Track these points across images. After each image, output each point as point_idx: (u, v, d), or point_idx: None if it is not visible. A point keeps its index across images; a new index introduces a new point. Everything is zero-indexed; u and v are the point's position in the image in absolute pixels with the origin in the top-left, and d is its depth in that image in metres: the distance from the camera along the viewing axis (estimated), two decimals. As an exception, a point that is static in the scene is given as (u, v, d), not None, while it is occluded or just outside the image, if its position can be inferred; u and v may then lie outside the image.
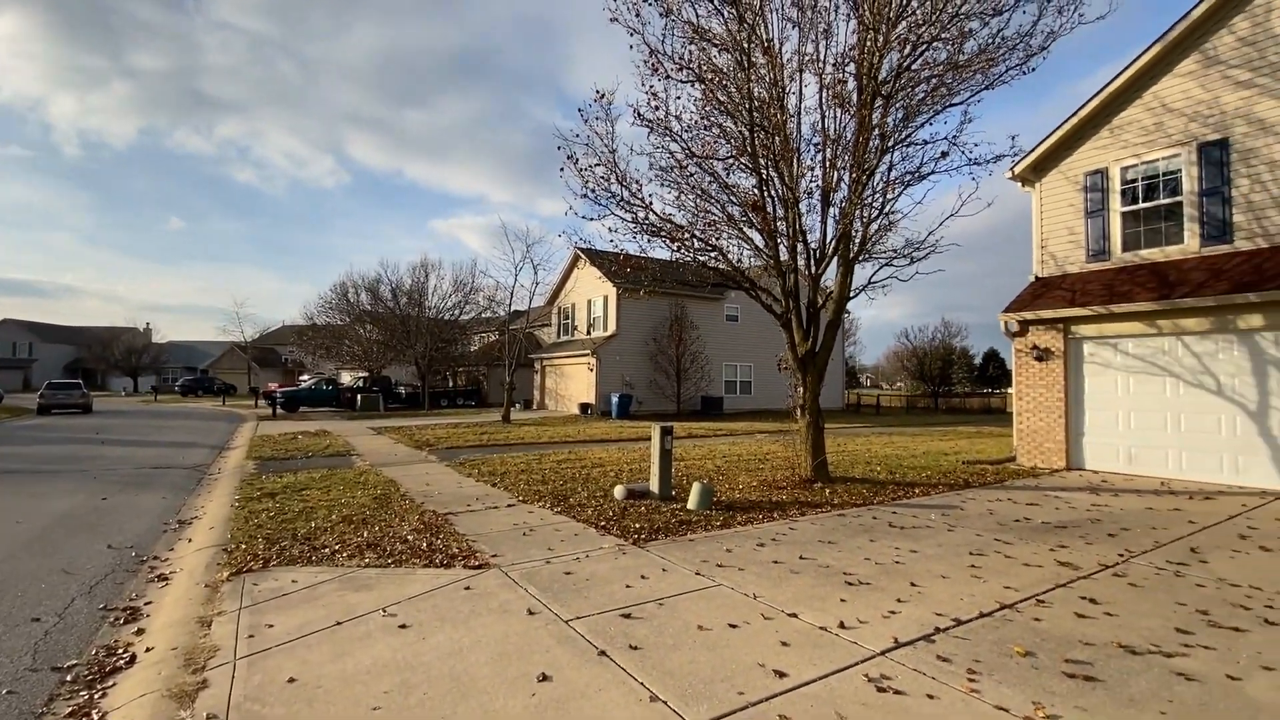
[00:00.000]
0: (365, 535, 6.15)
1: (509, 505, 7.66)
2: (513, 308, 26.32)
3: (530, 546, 5.74)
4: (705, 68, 8.87)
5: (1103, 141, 10.81)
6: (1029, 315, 10.82)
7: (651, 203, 9.20)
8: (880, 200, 9.02)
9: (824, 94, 9.01)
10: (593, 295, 28.03)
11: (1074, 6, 8.00)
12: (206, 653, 3.60)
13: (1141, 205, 10.34)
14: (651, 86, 8.97)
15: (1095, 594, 4.48)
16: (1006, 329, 11.29)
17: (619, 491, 7.89)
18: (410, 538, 6.02)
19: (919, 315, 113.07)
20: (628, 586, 4.61)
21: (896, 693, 3.05)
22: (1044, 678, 3.22)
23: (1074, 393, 10.55)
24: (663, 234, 9.20)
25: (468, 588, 4.62)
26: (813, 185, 9.23)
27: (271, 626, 3.95)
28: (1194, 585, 4.68)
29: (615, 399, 24.11)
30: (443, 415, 26.68)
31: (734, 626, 3.86)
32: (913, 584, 4.69)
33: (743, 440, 16.23)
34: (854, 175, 8.72)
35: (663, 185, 9.88)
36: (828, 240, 9.30)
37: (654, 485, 7.90)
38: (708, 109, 9.11)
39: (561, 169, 9.41)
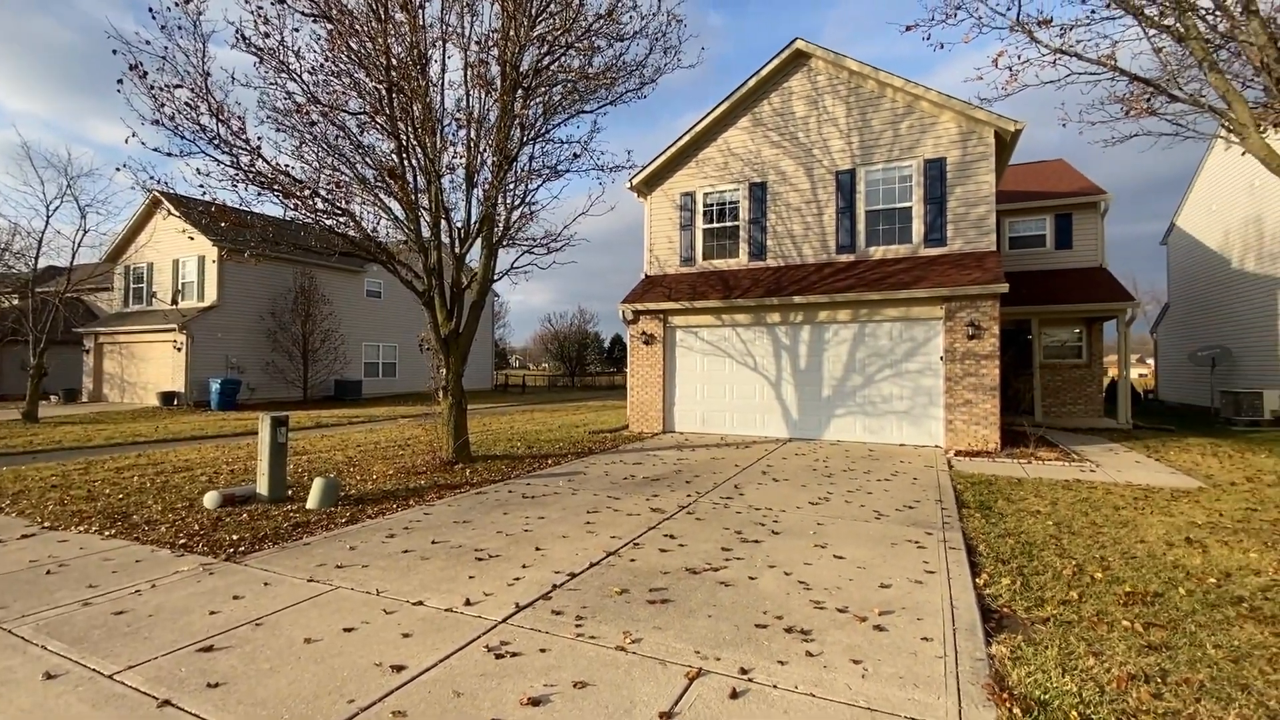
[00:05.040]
0: None
1: (24, 536, 5.50)
2: (44, 262, 18.93)
3: (58, 588, 4.22)
4: (333, 5, 7.80)
5: (692, 170, 13.46)
6: (640, 307, 12.82)
7: (260, 147, 7.70)
8: (523, 189, 9.43)
9: (468, 72, 8.91)
10: (182, 255, 22.11)
11: (674, 51, 9.70)
12: None
13: (716, 225, 13.26)
14: (260, 7, 7.47)
15: (674, 531, 5.57)
16: (624, 317, 13.15)
17: (211, 499, 6.43)
18: None
19: (560, 302, 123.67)
20: (213, 613, 3.78)
21: (514, 655, 3.23)
22: (633, 609, 3.84)
23: (669, 371, 12.95)
24: (276, 187, 7.81)
25: (-77, 668, 3.12)
26: (456, 161, 9.07)
27: None
28: (735, 513, 6.24)
29: (216, 386, 19.68)
30: (-101, 415, 17.61)
31: (350, 630, 3.54)
32: (538, 548, 5.07)
33: (383, 426, 15.14)
34: (496, 159, 8.88)
35: (279, 130, 8.41)
36: (472, 220, 9.29)
37: (262, 487, 6.70)
38: (336, 54, 8.05)
39: (120, 81, 7.12)
